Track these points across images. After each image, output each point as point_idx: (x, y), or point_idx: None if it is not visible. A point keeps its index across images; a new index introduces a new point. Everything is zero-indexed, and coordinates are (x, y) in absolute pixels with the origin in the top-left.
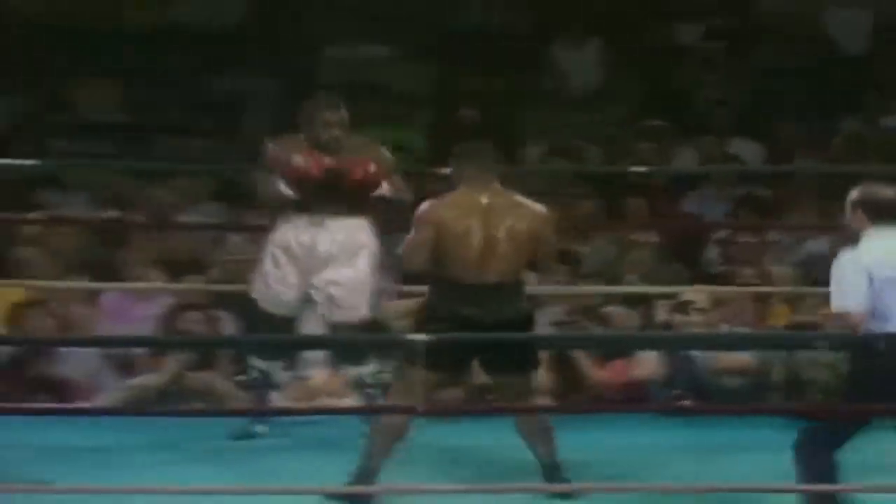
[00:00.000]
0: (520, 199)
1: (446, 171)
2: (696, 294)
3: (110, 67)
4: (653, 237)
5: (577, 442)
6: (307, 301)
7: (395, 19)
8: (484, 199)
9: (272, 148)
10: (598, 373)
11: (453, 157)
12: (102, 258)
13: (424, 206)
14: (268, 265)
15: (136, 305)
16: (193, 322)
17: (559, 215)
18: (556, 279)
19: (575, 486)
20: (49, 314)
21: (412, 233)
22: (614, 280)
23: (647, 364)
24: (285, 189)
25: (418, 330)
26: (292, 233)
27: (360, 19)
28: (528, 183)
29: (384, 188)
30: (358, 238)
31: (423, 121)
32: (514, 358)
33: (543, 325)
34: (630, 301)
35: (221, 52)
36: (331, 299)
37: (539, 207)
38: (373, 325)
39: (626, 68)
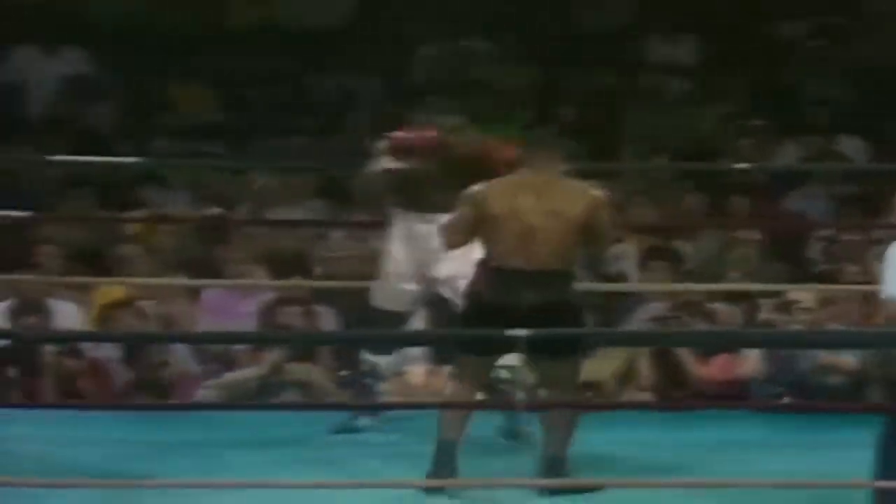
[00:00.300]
0: (575, 183)
1: None
2: (802, 293)
3: (213, 68)
4: (756, 235)
5: (677, 438)
6: (425, 296)
7: (497, 17)
8: (534, 183)
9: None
10: (701, 369)
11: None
12: (204, 256)
13: (472, 186)
14: (388, 261)
15: (238, 302)
16: (292, 316)
17: (662, 213)
18: (659, 275)
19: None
20: (146, 312)
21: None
22: (717, 277)
23: (750, 361)
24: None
25: (465, 312)
26: (407, 228)
27: (462, 18)
28: (628, 181)
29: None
30: None
31: (523, 118)
32: (555, 345)
33: (643, 320)
34: (733, 298)
35: (324, 52)
36: (458, 292)
37: (594, 192)
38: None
39: (729, 66)
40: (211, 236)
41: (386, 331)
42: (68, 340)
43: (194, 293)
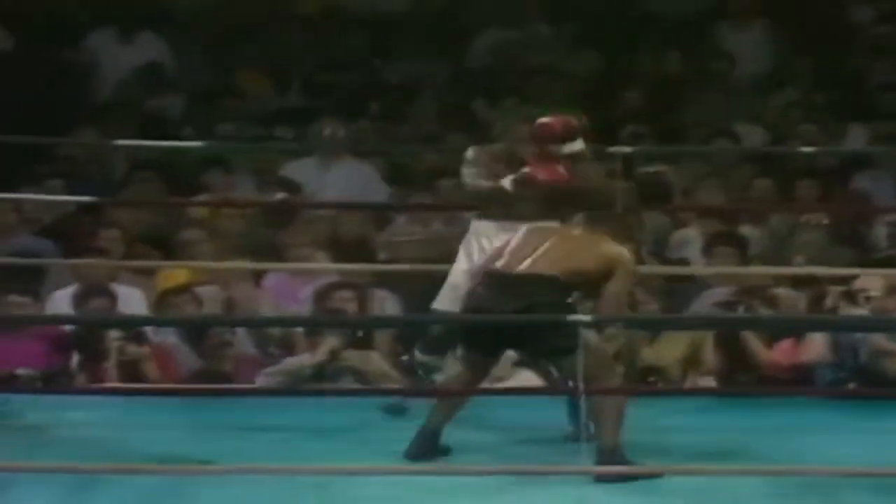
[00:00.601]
0: (606, 240)
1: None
2: (870, 281)
3: (280, 52)
4: (823, 219)
5: (743, 422)
6: None
7: (561, 2)
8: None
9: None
10: (766, 354)
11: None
12: (267, 240)
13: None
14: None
15: (299, 286)
16: (345, 301)
17: (727, 197)
18: (723, 260)
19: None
20: (202, 298)
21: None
22: (782, 262)
23: (815, 346)
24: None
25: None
26: (485, 237)
27: (527, 2)
28: (693, 165)
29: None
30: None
31: (587, 104)
32: (542, 345)
33: (707, 305)
34: (799, 284)
35: (389, 37)
36: None
37: (626, 254)
38: None
39: (797, 50)
40: (275, 221)
41: (437, 314)
42: (132, 326)
43: (257, 277)
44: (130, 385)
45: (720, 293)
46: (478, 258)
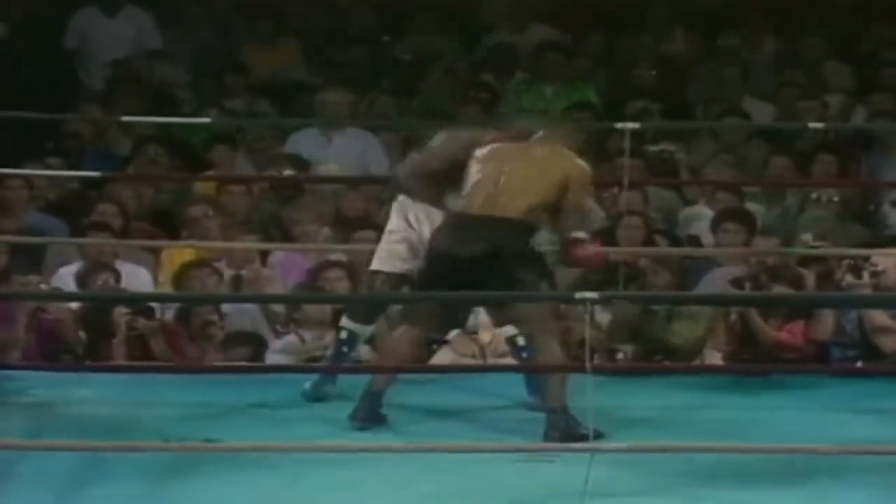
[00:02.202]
0: (567, 153)
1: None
2: (882, 259)
3: (288, 27)
4: (833, 196)
5: (750, 402)
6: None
7: None
8: (527, 147)
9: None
10: (773, 332)
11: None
12: (273, 216)
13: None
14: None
15: (306, 262)
16: (334, 280)
17: (737, 173)
18: (732, 237)
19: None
20: (221, 272)
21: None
22: (792, 239)
23: (825, 324)
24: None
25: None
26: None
27: None
28: (704, 141)
29: None
30: None
31: (601, 79)
32: (501, 284)
33: (718, 280)
34: (808, 261)
35: (401, 12)
36: None
37: (580, 165)
38: None
39: (808, 28)
40: (282, 197)
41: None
42: (137, 302)
43: (264, 253)
44: (138, 363)
45: (730, 271)
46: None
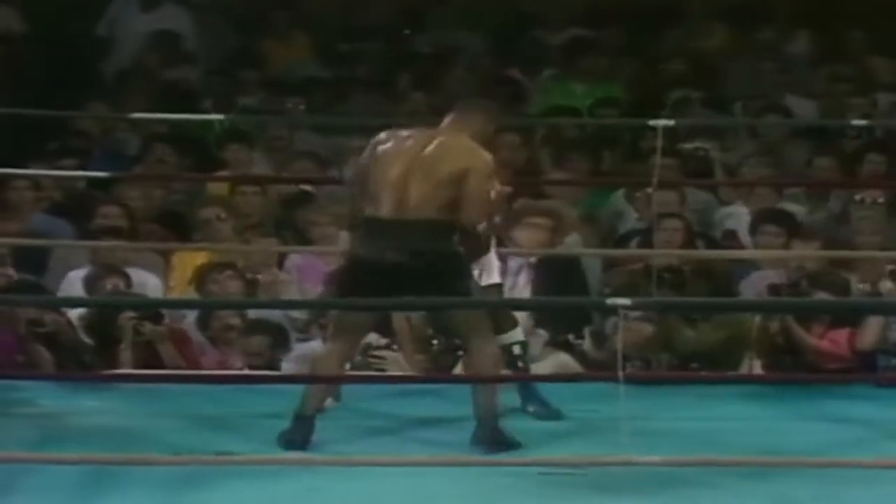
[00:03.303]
0: (467, 143)
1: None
2: None
3: (305, 20)
4: (879, 196)
5: (791, 413)
6: None
7: None
8: (427, 136)
9: None
10: (817, 341)
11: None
12: (288, 218)
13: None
14: None
15: (324, 265)
16: None
17: (776, 172)
18: (772, 240)
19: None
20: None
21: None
22: (838, 242)
23: (870, 332)
24: None
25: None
26: None
27: None
28: (741, 139)
29: None
30: None
31: (629, 74)
32: (429, 290)
33: (759, 288)
34: (853, 265)
35: (422, 4)
36: None
37: (480, 155)
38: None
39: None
40: (298, 198)
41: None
42: (148, 307)
43: (280, 257)
44: (148, 372)
45: (769, 275)
46: None
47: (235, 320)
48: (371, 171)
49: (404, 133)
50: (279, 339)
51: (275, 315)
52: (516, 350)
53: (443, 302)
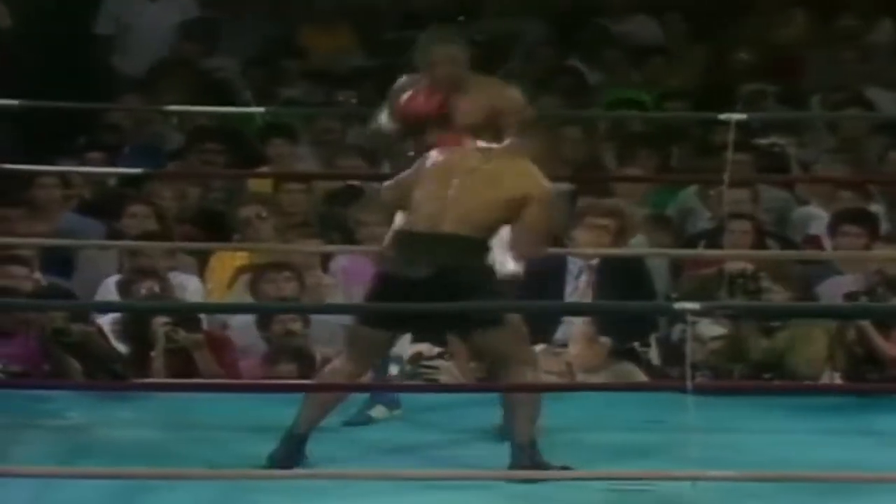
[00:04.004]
0: (526, 168)
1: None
2: None
3: (348, 7)
4: None
5: (871, 426)
6: None
7: None
8: (481, 156)
9: (398, 85)
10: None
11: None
12: (334, 216)
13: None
14: None
15: (373, 267)
16: None
17: (856, 170)
18: (850, 241)
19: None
20: (293, 278)
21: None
22: None
23: None
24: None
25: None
26: None
27: None
28: (819, 134)
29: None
30: None
31: (697, 65)
32: (458, 317)
33: (838, 293)
34: None
35: None
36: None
37: (540, 182)
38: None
39: None
40: (345, 196)
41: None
42: (184, 312)
43: (326, 259)
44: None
45: (848, 280)
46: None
47: (297, 325)
48: (416, 185)
49: (458, 151)
50: (304, 369)
51: (332, 322)
52: None
53: (496, 306)
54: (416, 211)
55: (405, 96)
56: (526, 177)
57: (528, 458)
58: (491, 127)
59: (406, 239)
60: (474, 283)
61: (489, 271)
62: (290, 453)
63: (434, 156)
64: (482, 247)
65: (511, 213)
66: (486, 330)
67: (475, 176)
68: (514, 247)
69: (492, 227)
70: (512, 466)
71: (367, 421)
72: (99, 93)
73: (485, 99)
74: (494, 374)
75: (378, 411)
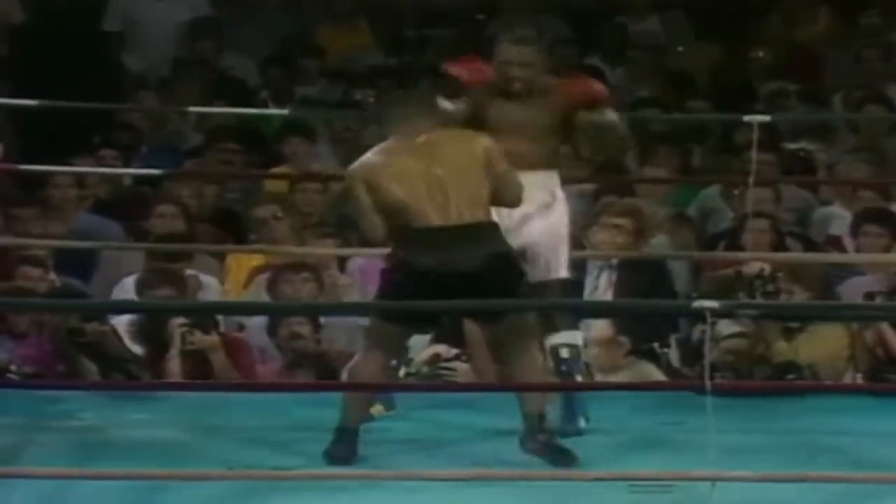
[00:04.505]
0: (457, 131)
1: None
2: None
3: (367, 4)
4: None
5: (893, 424)
6: None
7: None
8: (416, 140)
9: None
10: None
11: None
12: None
13: (351, 167)
14: None
15: None
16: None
17: (879, 170)
18: (872, 241)
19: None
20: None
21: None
22: None
23: None
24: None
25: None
26: None
27: None
28: (841, 134)
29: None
30: (550, 188)
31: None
32: (505, 293)
33: (859, 294)
34: None
35: None
36: (525, 257)
37: (480, 135)
38: (571, 286)
39: None
40: None
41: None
42: (199, 312)
43: (342, 258)
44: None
45: (869, 281)
46: None
47: (303, 328)
48: (377, 190)
49: (385, 148)
50: (323, 377)
51: (350, 323)
52: (563, 353)
53: (517, 305)
54: (403, 208)
55: (461, 71)
56: (471, 136)
57: (538, 429)
58: (564, 131)
59: (416, 237)
60: (506, 269)
61: (510, 257)
62: (347, 447)
63: (363, 161)
64: (497, 228)
65: (490, 177)
66: (516, 317)
67: (444, 160)
68: (510, 201)
69: (483, 198)
70: (523, 438)
71: (367, 419)
72: (109, 90)
73: (557, 103)
74: (509, 360)
75: (377, 409)
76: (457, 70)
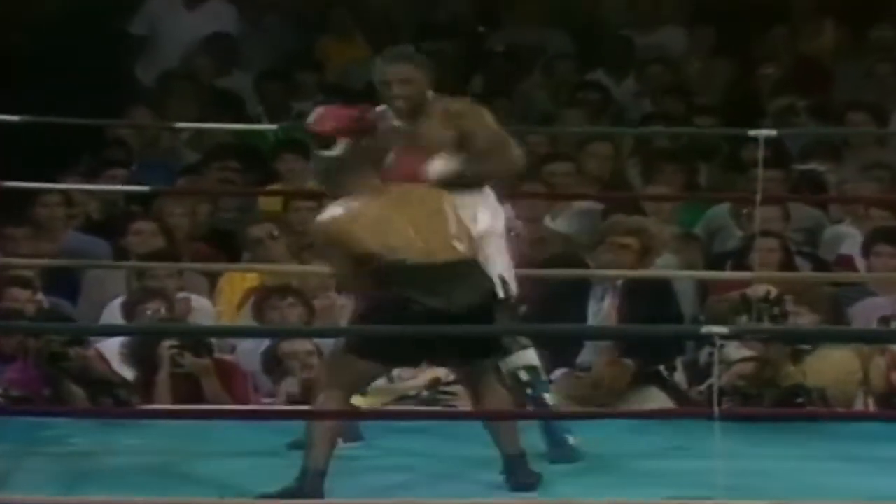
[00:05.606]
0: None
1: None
2: None
3: (366, 18)
4: None
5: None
6: None
7: None
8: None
9: None
10: None
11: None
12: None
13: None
14: None
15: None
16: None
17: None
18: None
19: None
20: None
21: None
22: None
23: None
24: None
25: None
26: None
27: None
28: (852, 151)
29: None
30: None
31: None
32: (477, 345)
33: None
34: None
35: (498, 2)
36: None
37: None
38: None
39: None
40: None
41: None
42: (187, 335)
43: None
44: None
45: (882, 302)
46: None
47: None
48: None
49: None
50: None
51: None
52: (523, 376)
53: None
54: (384, 249)
55: (313, 115)
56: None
57: (519, 467)
58: (457, 151)
59: (402, 272)
60: (491, 309)
61: (495, 291)
62: (314, 486)
63: (329, 219)
64: (479, 266)
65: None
66: (497, 356)
67: (418, 197)
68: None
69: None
70: (508, 478)
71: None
72: (117, 101)
73: (449, 121)
74: (479, 399)
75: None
76: (310, 125)
